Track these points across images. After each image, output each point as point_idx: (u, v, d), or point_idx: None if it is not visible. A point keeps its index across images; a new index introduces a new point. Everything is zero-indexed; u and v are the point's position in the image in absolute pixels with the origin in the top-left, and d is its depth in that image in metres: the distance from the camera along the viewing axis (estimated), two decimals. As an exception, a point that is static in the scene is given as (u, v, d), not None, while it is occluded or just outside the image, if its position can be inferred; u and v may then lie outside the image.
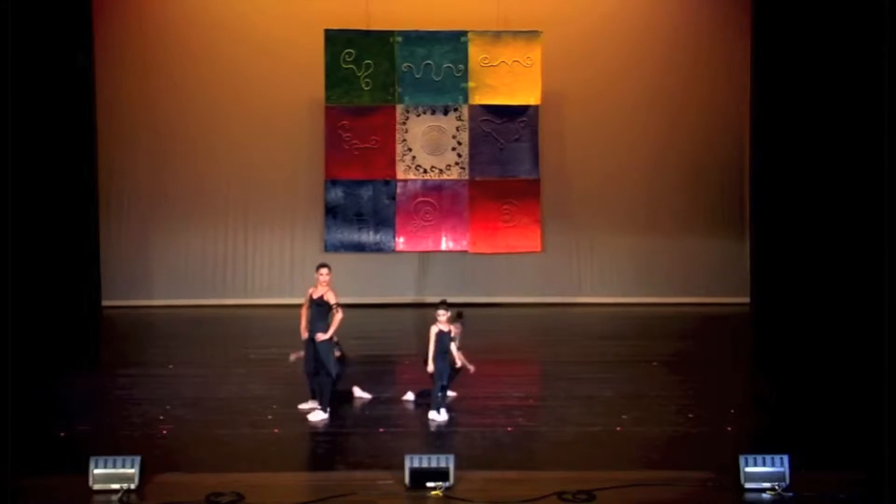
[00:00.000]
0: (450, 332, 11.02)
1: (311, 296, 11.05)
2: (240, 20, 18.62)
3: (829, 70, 14.70)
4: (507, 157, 18.71)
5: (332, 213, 18.61)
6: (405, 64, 18.49)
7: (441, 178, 18.70)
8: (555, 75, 18.47)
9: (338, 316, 10.90)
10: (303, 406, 11.23)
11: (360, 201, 18.62)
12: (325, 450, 10.10)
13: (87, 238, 17.72)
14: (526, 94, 18.55)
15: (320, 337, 10.86)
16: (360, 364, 13.74)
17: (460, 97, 18.60)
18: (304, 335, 11.08)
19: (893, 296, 9.35)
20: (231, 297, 18.98)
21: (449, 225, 18.74)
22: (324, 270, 11.04)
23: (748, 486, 8.57)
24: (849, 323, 13.46)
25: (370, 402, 11.66)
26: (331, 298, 10.91)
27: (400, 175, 18.67)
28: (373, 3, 18.25)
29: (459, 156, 18.69)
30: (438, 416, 10.87)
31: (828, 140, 14.90)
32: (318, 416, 10.91)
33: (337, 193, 18.61)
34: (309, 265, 19.04)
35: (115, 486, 8.51)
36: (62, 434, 10.21)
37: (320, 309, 10.95)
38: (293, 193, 18.95)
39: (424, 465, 8.63)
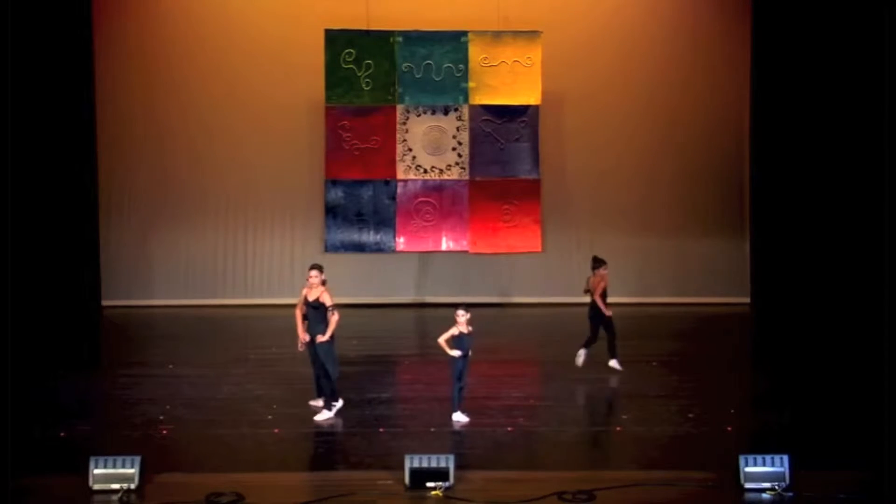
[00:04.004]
0: (470, 333, 10.83)
1: (306, 297, 10.99)
2: (240, 20, 18.61)
3: (829, 71, 14.71)
4: (507, 157, 18.70)
5: (333, 213, 18.61)
6: (405, 64, 18.48)
7: (441, 178, 18.70)
8: (555, 75, 18.46)
9: (334, 318, 10.85)
10: (313, 403, 11.29)
11: (360, 201, 18.62)
12: (325, 450, 10.10)
13: (87, 238, 17.73)
14: (526, 94, 18.55)
15: (320, 339, 10.84)
16: (361, 364, 13.77)
17: (460, 97, 18.60)
18: (305, 338, 11.04)
19: (893, 296, 9.36)
20: (231, 297, 18.97)
21: (449, 225, 18.74)
22: (313, 272, 10.94)
23: (748, 486, 8.58)
24: (849, 323, 13.48)
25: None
26: (326, 300, 10.85)
27: (400, 175, 18.67)
28: (373, 3, 18.25)
29: (460, 156, 18.69)
30: (462, 417, 10.78)
31: (828, 140, 14.91)
32: (324, 415, 10.92)
33: (337, 193, 18.61)
34: (309, 265, 19.07)
35: (115, 486, 8.52)
36: (62, 434, 10.21)
37: (317, 311, 10.90)
38: (293, 193, 18.93)
39: (424, 465, 8.63)
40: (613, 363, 13.07)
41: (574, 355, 13.06)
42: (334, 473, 9.24)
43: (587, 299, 13.06)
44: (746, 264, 18.79)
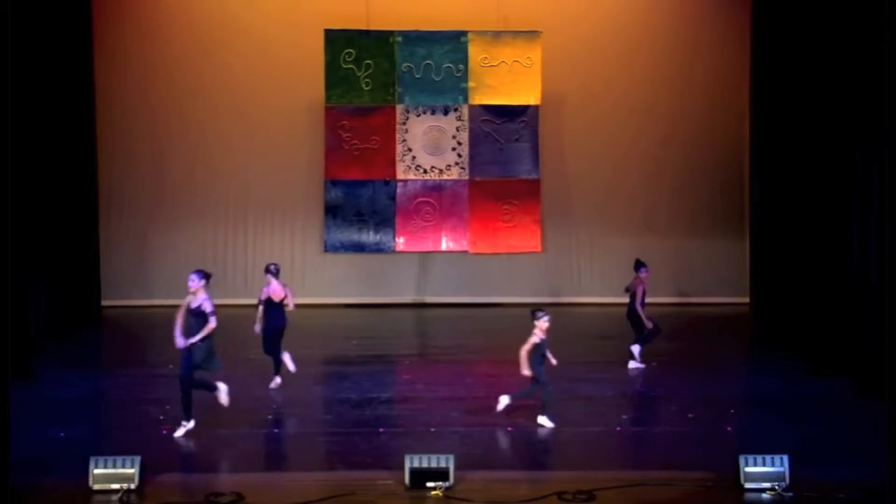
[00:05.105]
0: (545, 338, 10.69)
1: (188, 305, 10.38)
2: (240, 20, 18.61)
3: (829, 70, 14.69)
4: (507, 157, 18.72)
5: (332, 213, 18.63)
6: (405, 64, 18.50)
7: (441, 178, 18.71)
8: (555, 75, 18.48)
9: (210, 325, 10.26)
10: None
11: (360, 201, 18.63)
12: (325, 450, 10.10)
13: (87, 238, 17.72)
14: (526, 94, 18.56)
15: (191, 340, 10.26)
16: (361, 364, 13.78)
17: (460, 97, 18.61)
18: (181, 344, 10.38)
19: (893, 295, 9.35)
20: (231, 297, 18.87)
21: (449, 225, 18.75)
22: (191, 276, 10.41)
23: (748, 486, 8.59)
24: (849, 322, 13.46)
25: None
26: (207, 307, 10.27)
27: (400, 175, 18.68)
28: (373, 3, 18.26)
29: (459, 156, 18.70)
30: (549, 422, 10.62)
31: (828, 140, 14.89)
32: (180, 430, 10.35)
33: (337, 193, 18.62)
34: (309, 265, 19.13)
35: (115, 486, 8.53)
36: (62, 434, 10.21)
37: (199, 319, 10.30)
38: (293, 193, 18.93)
39: (424, 465, 8.64)
40: (635, 349, 13.47)
41: (573, 355, 13.06)
42: (334, 473, 9.24)
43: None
44: (746, 264, 18.75)
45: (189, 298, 10.43)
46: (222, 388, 10.64)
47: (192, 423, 10.39)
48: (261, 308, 12.32)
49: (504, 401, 10.79)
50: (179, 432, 10.34)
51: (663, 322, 13.77)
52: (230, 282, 19.01)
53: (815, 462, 9.14)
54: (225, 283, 19.01)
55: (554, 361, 10.78)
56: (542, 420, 10.64)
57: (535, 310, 10.84)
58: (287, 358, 12.28)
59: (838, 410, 11.17)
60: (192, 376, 10.40)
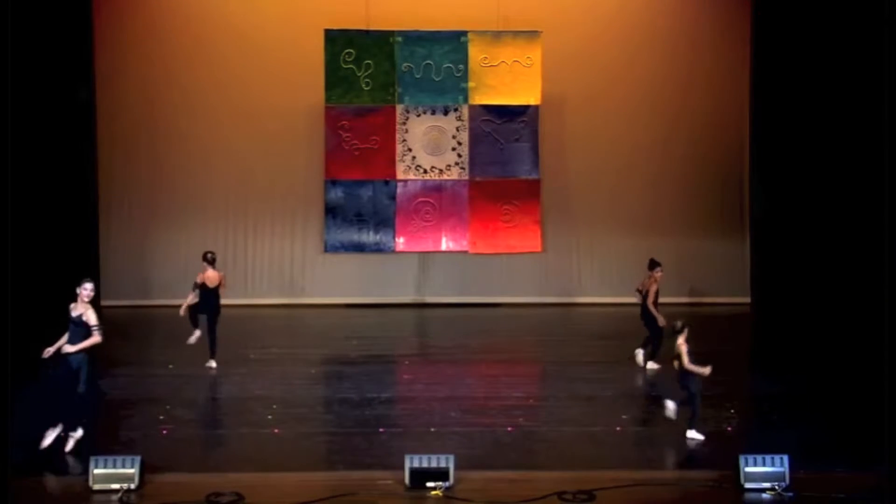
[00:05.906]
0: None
1: (70, 311, 9.92)
2: (240, 20, 18.60)
3: (829, 71, 14.72)
4: (507, 157, 18.72)
5: (332, 213, 18.63)
6: (405, 64, 18.50)
7: (441, 178, 18.71)
8: (555, 75, 18.48)
9: (95, 338, 9.78)
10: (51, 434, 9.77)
11: (360, 201, 18.63)
12: (325, 450, 10.10)
13: (87, 238, 17.71)
14: (526, 94, 18.57)
15: (68, 349, 9.76)
16: (361, 364, 13.78)
17: (460, 97, 18.61)
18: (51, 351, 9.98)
19: (893, 295, 9.35)
20: (231, 297, 18.76)
21: (449, 225, 18.75)
22: (88, 286, 9.93)
23: (748, 486, 8.59)
24: (849, 322, 13.48)
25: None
26: (91, 319, 9.79)
27: (400, 175, 18.68)
28: (373, 3, 18.26)
29: (459, 156, 18.70)
30: (699, 435, 10.18)
31: (827, 140, 14.92)
32: (62, 440, 9.72)
33: (337, 193, 18.62)
34: (309, 265, 19.13)
35: (115, 486, 8.53)
36: (62, 434, 10.19)
37: (78, 329, 9.80)
38: (293, 193, 18.92)
39: (424, 465, 8.64)
40: (650, 364, 13.19)
41: (573, 355, 13.05)
42: (334, 473, 9.24)
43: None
44: (746, 264, 18.79)
45: (72, 305, 9.91)
46: (78, 433, 9.80)
47: (79, 432, 9.77)
48: (195, 292, 13.24)
49: (671, 407, 10.35)
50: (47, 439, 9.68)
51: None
52: (230, 282, 18.95)
53: (815, 462, 9.13)
54: (225, 282, 19.03)
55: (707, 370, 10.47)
56: (693, 434, 10.14)
57: (673, 324, 10.66)
58: (195, 335, 13.26)
59: (838, 410, 11.17)
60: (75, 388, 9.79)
